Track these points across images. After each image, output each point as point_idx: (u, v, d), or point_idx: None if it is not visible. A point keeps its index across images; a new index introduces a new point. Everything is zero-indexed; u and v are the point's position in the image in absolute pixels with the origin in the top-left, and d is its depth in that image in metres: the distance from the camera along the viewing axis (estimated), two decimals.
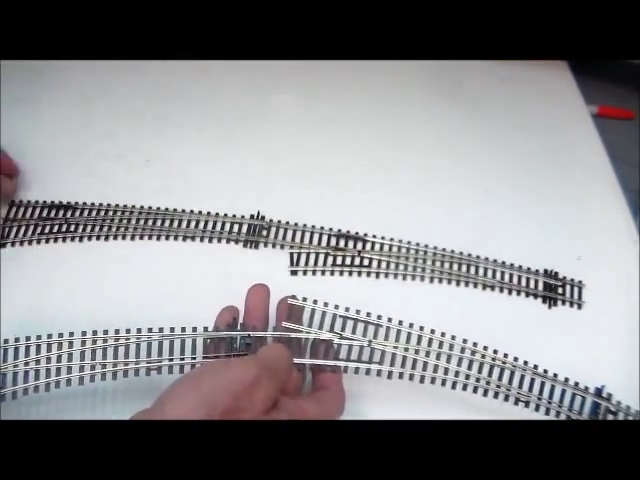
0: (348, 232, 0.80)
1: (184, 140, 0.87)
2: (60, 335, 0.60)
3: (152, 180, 0.81)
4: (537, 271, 0.80)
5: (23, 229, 0.78)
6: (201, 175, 0.84)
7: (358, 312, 0.63)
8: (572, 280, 0.79)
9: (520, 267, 0.80)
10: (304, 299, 0.63)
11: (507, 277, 0.79)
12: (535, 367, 0.65)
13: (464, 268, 0.79)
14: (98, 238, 0.78)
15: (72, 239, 0.78)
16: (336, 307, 0.63)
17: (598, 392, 0.65)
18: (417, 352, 0.63)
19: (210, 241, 0.79)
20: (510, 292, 0.78)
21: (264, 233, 0.80)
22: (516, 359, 0.64)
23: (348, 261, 0.79)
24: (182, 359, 0.60)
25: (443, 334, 0.64)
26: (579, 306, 0.78)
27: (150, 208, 0.81)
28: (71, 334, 0.60)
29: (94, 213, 0.80)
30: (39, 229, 0.78)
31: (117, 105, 0.92)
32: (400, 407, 0.64)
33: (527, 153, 0.94)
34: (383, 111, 0.98)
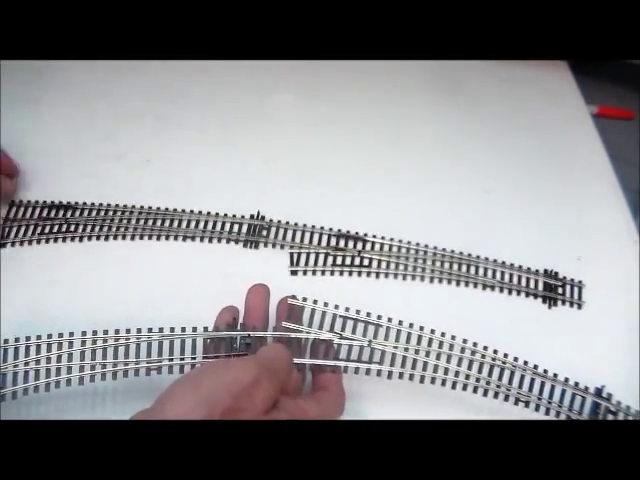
0: (348, 232, 0.80)
1: (184, 140, 0.87)
2: (60, 335, 0.60)
3: (152, 180, 0.81)
4: (537, 271, 0.79)
5: (23, 229, 0.78)
6: (201, 175, 0.84)
7: (358, 312, 0.63)
8: (572, 280, 0.79)
9: (520, 267, 0.79)
10: (304, 299, 0.63)
11: (507, 277, 0.79)
12: (535, 367, 0.64)
13: (464, 268, 0.79)
14: (98, 238, 0.78)
15: (72, 239, 0.78)
16: (336, 307, 0.63)
17: (598, 392, 0.64)
18: (417, 352, 0.62)
19: (210, 241, 0.79)
20: (510, 292, 0.78)
21: (264, 233, 0.80)
22: (516, 359, 0.64)
23: (348, 261, 0.79)
24: (182, 359, 0.60)
25: (443, 334, 0.64)
26: (579, 306, 0.77)
27: (150, 208, 0.81)
28: (71, 334, 0.60)
29: (94, 213, 0.80)
30: (39, 229, 0.78)
31: (117, 105, 0.92)
32: (400, 407, 0.64)
33: (527, 153, 0.94)
34: (383, 111, 0.98)
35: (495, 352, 0.64)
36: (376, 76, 1.02)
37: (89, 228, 0.79)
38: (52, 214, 0.79)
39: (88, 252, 0.77)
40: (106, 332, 0.61)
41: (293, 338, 0.61)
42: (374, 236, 0.80)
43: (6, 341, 0.60)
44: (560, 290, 0.78)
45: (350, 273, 0.78)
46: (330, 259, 0.79)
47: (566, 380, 0.65)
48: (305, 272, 0.78)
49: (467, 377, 0.63)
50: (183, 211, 0.81)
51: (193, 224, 0.80)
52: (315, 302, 0.63)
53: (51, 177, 0.83)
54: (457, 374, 0.63)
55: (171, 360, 0.60)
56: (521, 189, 0.89)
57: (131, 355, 0.60)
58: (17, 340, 0.60)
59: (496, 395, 0.63)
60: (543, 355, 0.66)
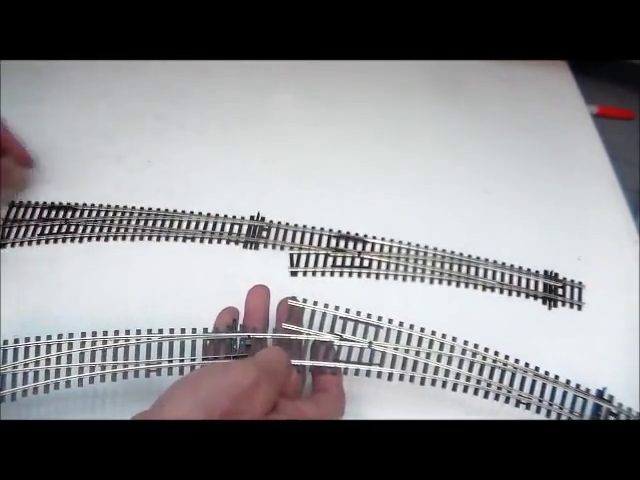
0: (348, 233, 0.80)
1: (184, 141, 0.86)
2: (59, 336, 0.60)
3: (152, 181, 0.81)
4: (537, 272, 0.79)
5: (23, 229, 0.78)
6: (201, 176, 0.84)
7: (359, 313, 0.62)
8: (572, 281, 0.78)
9: (520, 268, 0.79)
10: (304, 300, 0.63)
11: (507, 278, 0.78)
12: (536, 369, 0.64)
13: (464, 269, 0.78)
14: (98, 239, 0.78)
15: (72, 240, 0.77)
16: (336, 308, 0.62)
17: (600, 394, 0.64)
18: (418, 354, 0.62)
19: (210, 242, 0.79)
20: (510, 293, 0.77)
21: (264, 234, 0.79)
22: (517, 361, 0.64)
23: (348, 262, 0.78)
24: (182, 360, 0.60)
25: (444, 336, 0.63)
26: (579, 307, 0.77)
27: (150, 209, 0.80)
28: (70, 335, 0.60)
29: (94, 214, 0.79)
30: (39, 229, 0.78)
31: (117, 106, 0.91)
32: (400, 409, 0.63)
33: (527, 153, 0.93)
34: (383, 111, 0.98)
35: (496, 354, 0.64)
36: (376, 76, 1.02)
37: (89, 229, 0.78)
38: (52, 215, 0.79)
39: (88, 253, 0.77)
40: (105, 333, 0.60)
41: (293, 339, 0.61)
42: (374, 237, 0.80)
43: (5, 342, 0.60)
44: (560, 291, 0.78)
45: (350, 274, 0.77)
46: (330, 260, 0.78)
47: (567, 382, 0.64)
48: (305, 273, 0.77)
49: (468, 379, 0.62)
50: (183, 212, 0.80)
51: (193, 225, 0.80)
52: (315, 303, 0.63)
53: (51, 177, 0.82)
54: (458, 376, 0.62)
55: (170, 361, 0.60)
56: (521, 189, 0.88)
57: (130, 356, 0.60)
58: (16, 341, 0.60)
59: (497, 397, 0.63)
60: (543, 356, 0.66)
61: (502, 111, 0.99)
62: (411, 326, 0.63)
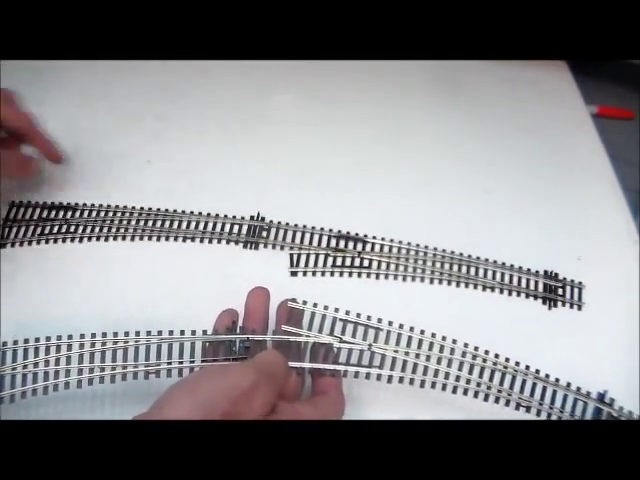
0: (348, 233, 0.79)
1: (184, 141, 0.86)
2: (59, 338, 0.59)
3: (152, 181, 0.80)
4: (537, 272, 0.78)
5: (23, 229, 0.77)
6: (201, 176, 0.83)
7: (358, 315, 0.62)
8: (572, 281, 0.78)
9: (520, 268, 0.78)
10: (304, 302, 0.62)
11: (507, 278, 0.78)
12: (537, 371, 0.63)
13: (464, 269, 0.78)
14: (98, 239, 0.77)
15: (72, 240, 0.77)
16: (336, 310, 0.62)
17: (600, 397, 0.63)
18: (418, 356, 0.61)
19: (210, 242, 0.78)
20: (510, 293, 0.77)
21: (264, 234, 0.79)
22: (517, 364, 0.63)
23: (348, 262, 0.78)
24: (181, 362, 0.59)
25: (444, 338, 0.62)
26: (579, 307, 0.76)
27: (150, 209, 0.80)
28: (70, 337, 0.59)
29: (94, 214, 0.79)
30: (39, 229, 0.77)
31: (118, 106, 0.91)
32: (400, 412, 0.62)
33: (527, 153, 0.93)
34: (383, 111, 0.97)
35: (496, 356, 0.63)
36: (376, 76, 1.01)
37: (89, 229, 0.78)
38: (52, 215, 0.78)
39: (88, 253, 0.76)
40: (105, 335, 0.60)
41: (293, 341, 0.60)
42: (374, 237, 0.79)
43: (4, 344, 0.59)
44: (560, 291, 0.77)
45: (350, 274, 0.77)
46: (330, 260, 0.78)
47: (568, 385, 0.63)
48: (305, 273, 0.77)
49: (468, 382, 0.62)
50: (183, 212, 0.80)
51: (193, 225, 0.79)
52: (315, 305, 0.62)
53: (51, 177, 0.81)
54: (458, 379, 0.62)
55: (169, 363, 0.59)
56: (521, 189, 0.88)
57: (130, 358, 0.59)
58: (15, 343, 0.59)
59: (497, 400, 0.62)
60: (543, 356, 0.66)
61: (502, 111, 0.99)
62: (411, 328, 0.62)
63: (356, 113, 0.96)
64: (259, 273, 0.74)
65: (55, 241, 0.77)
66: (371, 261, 0.78)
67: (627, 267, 0.80)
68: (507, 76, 1.04)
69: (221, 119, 0.92)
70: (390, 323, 0.62)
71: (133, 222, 0.79)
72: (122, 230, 0.78)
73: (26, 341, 0.59)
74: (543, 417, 0.63)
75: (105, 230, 0.78)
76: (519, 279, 0.78)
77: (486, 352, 0.63)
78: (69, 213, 0.79)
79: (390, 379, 0.60)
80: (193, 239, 0.78)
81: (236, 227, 0.79)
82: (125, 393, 0.62)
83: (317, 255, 0.78)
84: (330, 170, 0.87)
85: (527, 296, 0.77)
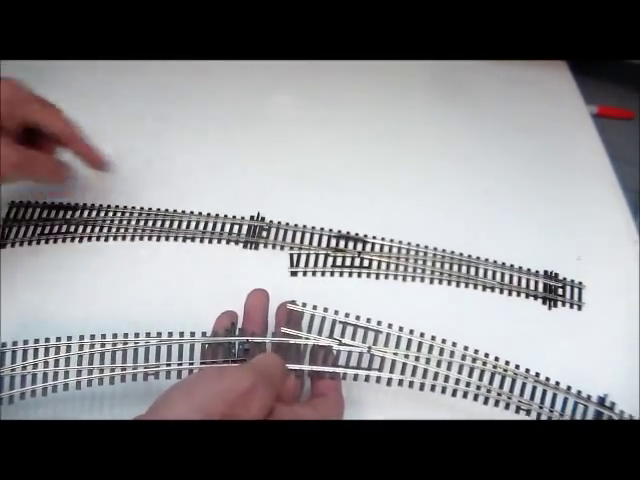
0: (348, 233, 0.79)
1: (184, 141, 0.86)
2: (58, 339, 0.59)
3: (152, 181, 0.80)
4: (537, 272, 0.78)
5: (23, 229, 0.76)
6: (201, 176, 0.83)
7: (358, 318, 0.61)
8: (572, 281, 0.77)
9: (520, 268, 0.78)
10: (303, 304, 0.62)
11: (507, 278, 0.77)
12: (537, 375, 0.63)
13: (464, 269, 0.77)
14: (98, 239, 0.77)
15: (72, 239, 0.76)
16: (336, 313, 0.61)
17: (601, 401, 0.63)
18: (417, 359, 0.61)
19: (210, 242, 0.77)
20: (510, 293, 0.76)
21: (264, 234, 0.78)
22: (517, 367, 0.63)
23: (348, 262, 0.77)
24: (180, 364, 0.59)
25: (444, 341, 0.62)
26: (579, 307, 0.76)
27: (150, 209, 0.79)
28: (69, 338, 0.59)
29: (94, 214, 0.78)
30: (39, 229, 0.76)
31: (118, 106, 0.90)
32: (399, 414, 0.61)
33: (527, 153, 0.92)
34: (383, 112, 0.96)
35: (496, 359, 0.62)
36: (376, 77, 1.01)
37: (89, 228, 0.77)
38: (52, 215, 0.78)
39: (88, 253, 0.76)
40: (104, 336, 0.59)
41: (292, 344, 0.60)
42: (374, 237, 0.79)
43: (4, 345, 0.59)
44: (560, 291, 0.77)
45: (350, 274, 0.76)
46: (330, 260, 0.77)
47: (568, 388, 0.63)
48: (305, 273, 0.76)
49: (467, 385, 0.61)
50: (183, 212, 0.79)
51: (193, 225, 0.78)
52: (315, 307, 0.62)
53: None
54: (457, 382, 0.61)
55: (169, 365, 0.59)
56: (521, 189, 0.87)
57: (129, 360, 0.59)
58: (15, 344, 0.59)
59: (497, 403, 0.62)
60: (543, 356, 0.66)
61: (502, 111, 0.98)
62: (411, 331, 0.62)
63: (356, 113, 0.95)
64: (259, 273, 0.74)
65: (55, 241, 0.76)
66: (371, 261, 0.77)
67: (627, 267, 0.79)
68: (507, 76, 1.03)
69: (221, 119, 0.92)
70: (390, 326, 0.61)
71: (133, 222, 0.78)
72: (122, 230, 0.77)
73: (25, 342, 0.59)
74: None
75: (105, 230, 0.77)
76: (519, 279, 0.77)
77: (486, 355, 0.62)
78: (69, 213, 0.78)
79: (389, 382, 0.60)
80: (193, 239, 0.77)
81: (236, 227, 0.79)
82: (124, 394, 0.62)
83: (317, 255, 0.77)
84: (330, 170, 0.87)
85: (527, 296, 0.76)
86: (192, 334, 0.60)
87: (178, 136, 0.88)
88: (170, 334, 0.60)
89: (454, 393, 0.61)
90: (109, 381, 0.58)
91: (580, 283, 0.77)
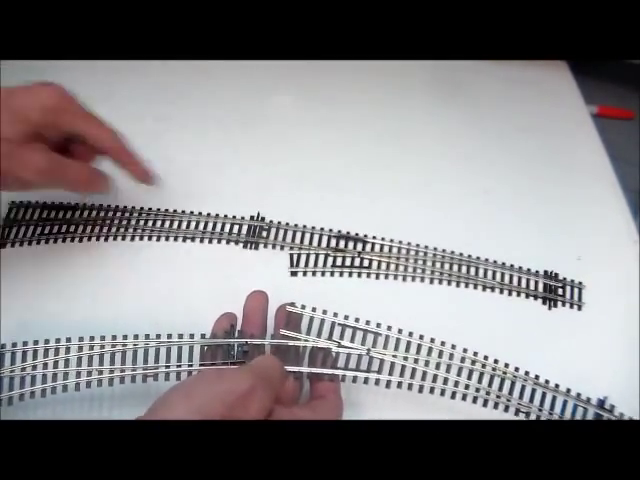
0: (348, 233, 0.78)
1: (184, 141, 0.85)
2: (57, 340, 0.59)
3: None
4: (537, 272, 0.77)
5: (23, 229, 0.76)
6: (201, 176, 0.82)
7: (357, 320, 0.61)
8: (572, 281, 0.77)
9: (520, 268, 0.77)
10: (303, 306, 0.61)
11: (507, 278, 0.77)
12: (536, 377, 0.62)
13: (464, 269, 0.77)
14: (98, 239, 0.76)
15: (72, 239, 0.76)
16: (335, 315, 0.61)
17: (601, 404, 0.62)
18: (416, 361, 0.60)
19: (210, 242, 0.77)
20: (510, 293, 0.76)
21: (264, 234, 0.78)
22: (517, 369, 0.62)
23: (348, 262, 0.77)
24: (179, 366, 0.59)
25: (443, 343, 0.62)
26: (579, 307, 0.75)
27: (150, 209, 0.79)
28: (68, 339, 0.59)
29: (94, 214, 0.78)
30: (39, 229, 0.76)
31: (118, 106, 0.88)
32: (398, 416, 0.60)
33: (527, 153, 0.92)
34: (383, 112, 0.96)
35: (496, 362, 0.62)
36: (376, 77, 1.00)
37: (89, 228, 0.77)
38: (52, 215, 0.77)
39: (88, 252, 0.75)
40: (103, 338, 0.59)
41: (291, 346, 0.59)
42: (374, 237, 0.78)
43: (3, 346, 0.58)
44: (560, 291, 0.76)
45: (350, 274, 0.76)
46: (330, 260, 0.77)
47: (568, 391, 0.62)
48: (305, 273, 0.75)
49: (467, 387, 0.61)
50: (183, 212, 0.79)
51: (193, 225, 0.78)
52: (314, 309, 0.61)
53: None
54: (456, 384, 0.61)
55: (168, 367, 0.59)
56: (521, 189, 0.87)
57: (128, 361, 0.59)
58: (14, 345, 0.58)
59: (496, 406, 0.61)
60: (543, 356, 0.66)
61: (502, 111, 0.98)
62: (410, 333, 0.61)
63: (356, 113, 0.95)
64: (259, 273, 0.74)
65: (55, 241, 0.75)
66: (371, 261, 0.77)
67: (627, 267, 0.79)
68: (507, 76, 1.03)
69: (221, 120, 0.91)
70: (389, 328, 0.61)
71: (133, 222, 0.78)
72: (122, 230, 0.77)
73: (25, 343, 0.58)
74: None
75: (105, 230, 0.77)
76: (519, 279, 0.77)
77: (485, 357, 0.62)
78: (69, 213, 0.77)
79: (388, 384, 0.60)
80: (193, 239, 0.77)
81: (236, 227, 0.78)
82: (123, 396, 0.62)
83: (317, 255, 0.77)
84: (330, 170, 0.86)
85: (527, 296, 0.76)
86: (191, 336, 0.59)
87: (178, 136, 0.87)
88: (169, 336, 0.59)
89: (453, 395, 0.60)
90: (108, 383, 0.58)
91: (580, 283, 0.77)
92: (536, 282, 0.77)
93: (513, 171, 0.89)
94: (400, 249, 0.78)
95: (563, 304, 0.75)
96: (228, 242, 0.77)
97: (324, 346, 0.59)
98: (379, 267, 0.76)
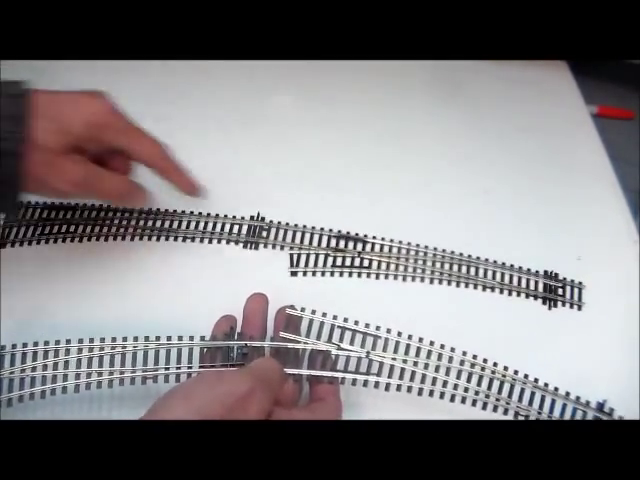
0: (348, 233, 0.78)
1: (184, 141, 0.84)
2: (57, 342, 0.58)
3: (152, 181, 0.79)
4: (537, 272, 0.77)
5: (23, 229, 0.76)
6: (201, 176, 0.81)
7: (356, 322, 0.61)
8: (572, 281, 0.77)
9: (520, 268, 0.77)
10: (302, 309, 0.61)
11: (507, 278, 0.76)
12: (536, 380, 0.62)
13: (464, 269, 0.77)
14: (98, 239, 0.76)
15: (72, 239, 0.75)
16: (334, 317, 0.61)
17: (600, 407, 0.62)
18: (416, 364, 0.60)
19: (210, 242, 0.77)
20: (510, 293, 0.76)
21: (264, 234, 0.78)
22: (516, 372, 0.62)
23: (348, 262, 0.76)
24: (178, 368, 0.59)
25: (442, 346, 0.61)
26: (579, 307, 0.75)
27: (150, 209, 0.78)
28: (68, 341, 0.58)
29: (94, 214, 0.77)
30: (39, 229, 0.76)
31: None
32: (398, 418, 0.60)
33: (527, 153, 0.91)
34: (383, 112, 0.95)
35: (495, 364, 0.62)
36: (376, 77, 1.00)
37: (89, 228, 0.76)
38: (52, 215, 0.77)
39: (88, 253, 0.75)
40: (103, 340, 0.59)
41: (290, 348, 0.59)
42: (374, 237, 0.78)
43: (2, 347, 0.58)
44: (560, 291, 0.76)
45: (350, 274, 0.76)
46: (330, 260, 0.76)
47: (567, 394, 0.62)
48: (305, 273, 0.75)
49: (466, 390, 0.60)
50: (183, 212, 0.79)
51: (193, 225, 0.78)
52: (313, 312, 0.61)
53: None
54: (456, 387, 0.60)
55: (167, 369, 0.58)
56: (521, 189, 0.86)
57: (127, 363, 0.59)
58: (14, 346, 0.58)
59: (495, 409, 0.61)
60: (543, 356, 0.66)
61: (502, 111, 0.97)
62: (409, 336, 0.61)
63: (356, 113, 0.95)
64: (259, 273, 0.73)
65: (55, 241, 0.75)
66: (371, 261, 0.76)
67: (627, 267, 0.79)
68: (507, 76, 1.02)
69: (221, 120, 0.91)
70: (388, 330, 0.61)
71: (133, 222, 0.77)
72: (122, 230, 0.77)
73: (24, 345, 0.58)
74: None
75: (105, 230, 0.76)
76: (519, 279, 0.76)
77: (484, 360, 0.62)
78: (69, 213, 0.77)
79: (388, 387, 0.60)
80: (193, 239, 0.77)
81: (236, 227, 0.78)
82: (123, 398, 0.61)
83: (317, 255, 0.76)
84: (330, 170, 0.86)
85: (527, 296, 0.75)
86: (191, 338, 0.59)
87: (178, 136, 0.86)
88: (169, 338, 0.59)
89: (452, 398, 0.60)
90: (108, 384, 0.58)
91: (580, 283, 0.76)
92: (536, 282, 0.76)
93: (513, 171, 0.88)
94: (400, 249, 0.77)
95: (563, 304, 0.75)
96: (228, 242, 0.77)
97: (323, 348, 0.59)
98: (379, 267, 0.76)
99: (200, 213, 0.79)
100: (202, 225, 0.78)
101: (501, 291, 0.75)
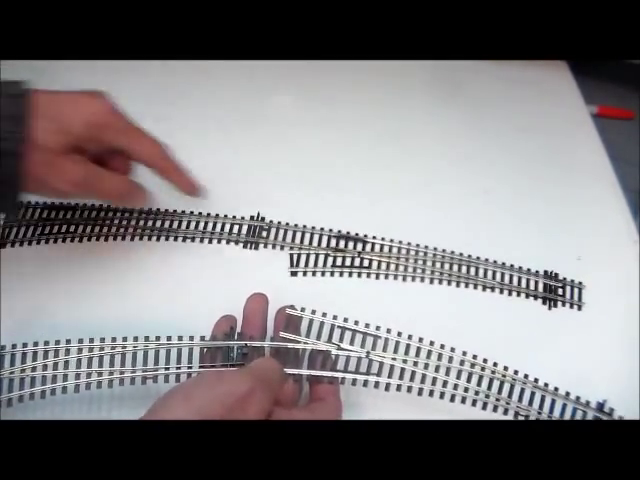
0: (348, 233, 0.78)
1: (184, 141, 0.84)
2: (57, 342, 0.58)
3: (152, 181, 0.78)
4: (537, 272, 0.77)
5: (23, 229, 0.76)
6: (201, 176, 0.81)
7: (356, 322, 0.61)
8: (572, 281, 0.76)
9: (520, 268, 0.77)
10: (302, 309, 0.61)
11: (507, 278, 0.76)
12: (536, 380, 0.62)
13: (464, 269, 0.76)
14: (98, 239, 0.76)
15: (72, 239, 0.75)
16: (334, 317, 0.61)
17: (600, 407, 0.62)
18: (416, 364, 0.60)
19: (210, 242, 0.77)
20: (510, 293, 0.75)
21: (264, 234, 0.77)
22: (516, 372, 0.62)
23: (348, 262, 0.76)
24: (178, 368, 0.58)
25: (442, 346, 0.61)
26: (579, 307, 0.75)
27: (150, 209, 0.78)
28: (68, 341, 0.58)
29: (94, 214, 0.77)
30: (39, 229, 0.76)
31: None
32: (398, 418, 0.60)
33: (527, 153, 0.91)
34: (383, 112, 0.95)
35: (495, 365, 0.62)
36: (376, 77, 0.99)
37: (89, 228, 0.76)
38: (52, 215, 0.77)
39: (88, 252, 0.75)
40: (103, 340, 0.59)
41: (290, 348, 0.59)
42: (374, 237, 0.78)
43: (2, 347, 0.58)
44: (560, 291, 0.76)
45: (350, 274, 0.75)
46: (330, 260, 0.76)
47: (567, 394, 0.62)
48: (305, 273, 0.75)
49: (466, 390, 0.60)
50: (183, 212, 0.79)
51: (193, 225, 0.78)
52: (313, 312, 0.61)
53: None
54: (456, 387, 0.60)
55: (167, 369, 0.58)
56: (521, 189, 0.86)
57: (127, 363, 0.59)
58: (14, 346, 0.58)
59: (495, 409, 0.61)
60: (543, 356, 0.66)
61: (502, 111, 0.97)
62: (409, 336, 0.61)
63: (356, 113, 0.94)
64: (259, 273, 0.73)
65: (55, 241, 0.75)
66: (371, 261, 0.76)
67: (627, 267, 0.79)
68: (507, 76, 1.02)
69: (221, 120, 0.91)
70: (388, 330, 0.61)
71: (133, 222, 0.77)
72: (122, 230, 0.76)
73: (25, 345, 0.58)
74: None
75: (105, 230, 0.76)
76: (519, 279, 0.76)
77: (484, 360, 0.62)
78: (69, 213, 0.77)
79: (388, 387, 0.59)
80: (193, 239, 0.77)
81: (236, 227, 0.78)
82: (123, 398, 0.61)
83: (317, 255, 0.76)
84: (330, 170, 0.86)
85: (527, 296, 0.75)
86: (191, 338, 0.59)
87: (178, 136, 0.86)
88: (169, 338, 0.59)
89: (452, 398, 0.60)
90: (108, 384, 0.58)
91: (580, 283, 0.76)
92: (536, 282, 0.76)
93: (513, 171, 0.88)
94: (400, 249, 0.77)
95: (563, 304, 0.75)
96: (228, 242, 0.77)
97: (323, 348, 0.59)
98: (379, 267, 0.76)
99: (200, 213, 0.78)
100: (202, 225, 0.78)
101: (501, 291, 0.75)
